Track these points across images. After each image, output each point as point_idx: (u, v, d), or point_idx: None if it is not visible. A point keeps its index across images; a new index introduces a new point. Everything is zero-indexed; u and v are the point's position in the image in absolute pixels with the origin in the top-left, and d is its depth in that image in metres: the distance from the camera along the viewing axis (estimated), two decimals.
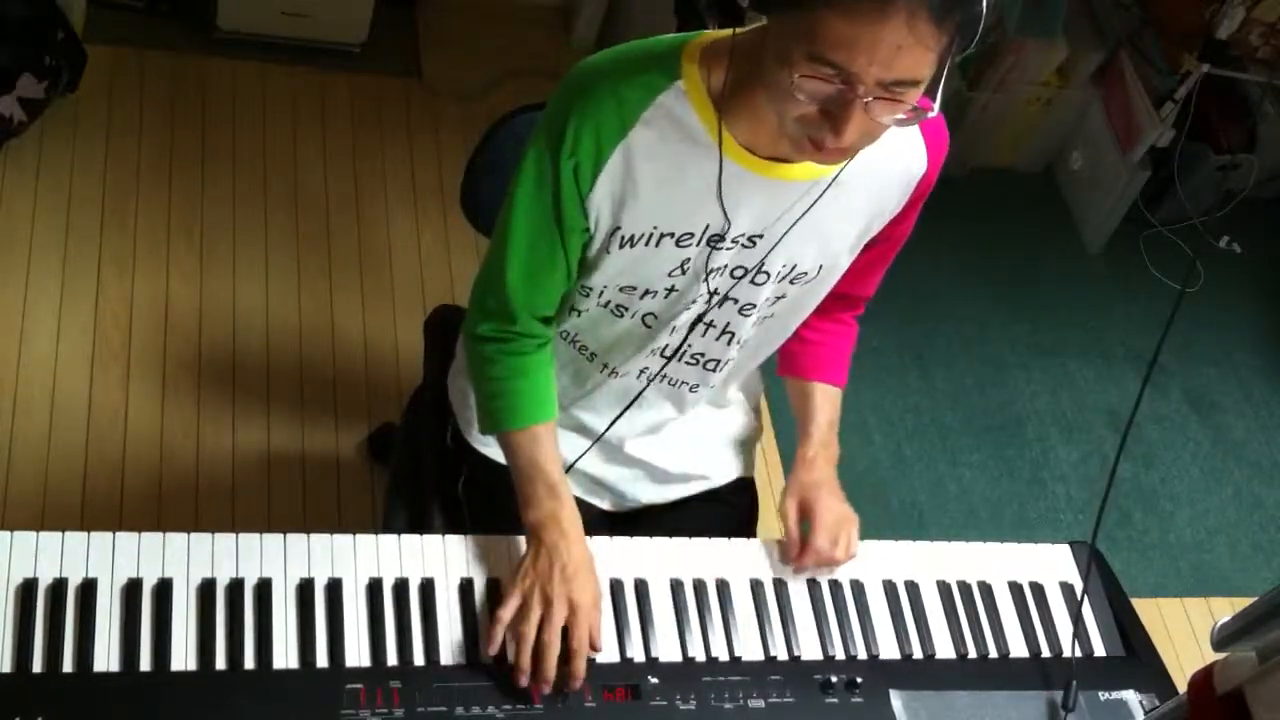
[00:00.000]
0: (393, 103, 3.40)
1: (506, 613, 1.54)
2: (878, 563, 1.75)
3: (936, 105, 1.39)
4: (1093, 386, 3.45)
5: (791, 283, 1.67)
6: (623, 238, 1.57)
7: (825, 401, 1.83)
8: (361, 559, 1.57)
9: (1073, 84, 3.69)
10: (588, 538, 1.65)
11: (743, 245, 1.59)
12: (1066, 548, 1.85)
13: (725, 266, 1.61)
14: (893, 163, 1.59)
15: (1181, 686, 1.53)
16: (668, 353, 1.74)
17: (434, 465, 2.00)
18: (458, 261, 3.13)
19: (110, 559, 1.49)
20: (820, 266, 1.66)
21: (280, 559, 1.54)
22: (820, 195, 1.56)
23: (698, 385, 1.80)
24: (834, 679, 1.60)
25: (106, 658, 1.43)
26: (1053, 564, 1.82)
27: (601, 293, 1.65)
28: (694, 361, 1.76)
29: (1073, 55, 3.61)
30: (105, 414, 2.67)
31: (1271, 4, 3.32)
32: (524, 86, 3.45)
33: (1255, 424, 3.52)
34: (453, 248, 3.14)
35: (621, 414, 1.82)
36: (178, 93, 3.23)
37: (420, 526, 1.98)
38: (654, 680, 1.56)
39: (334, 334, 2.92)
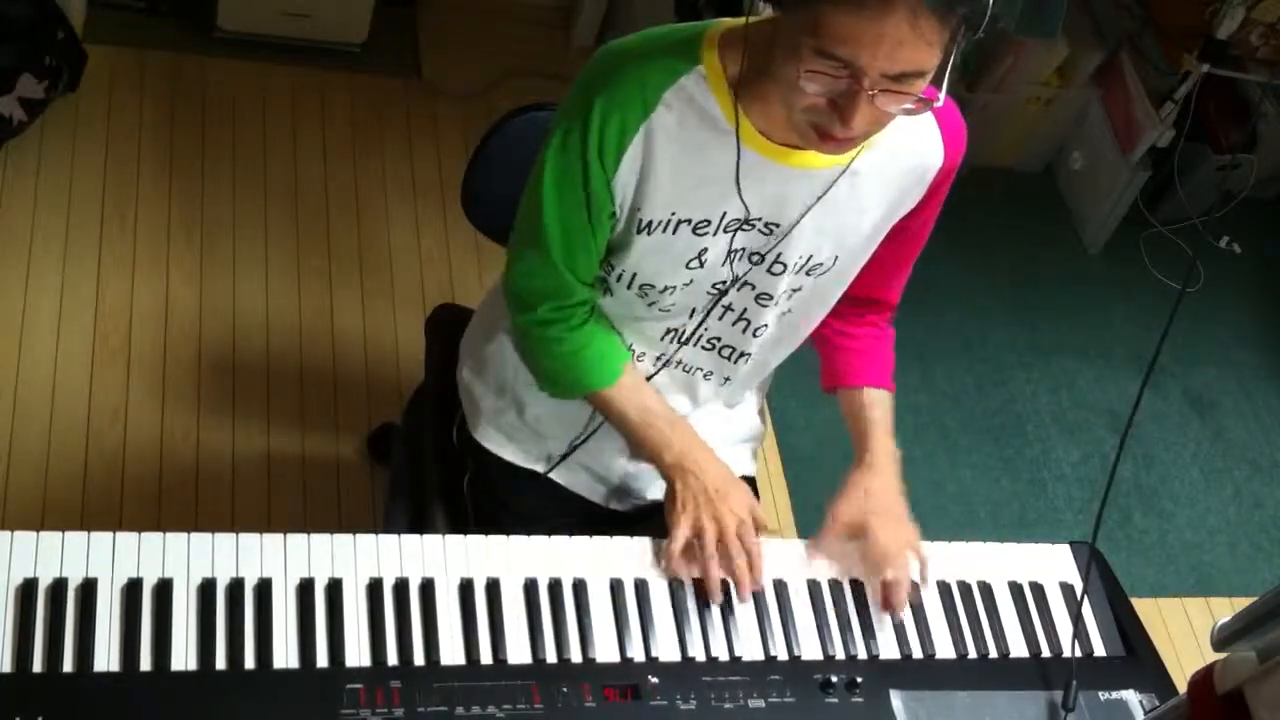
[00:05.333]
0: (393, 102, 3.40)
1: (676, 546, 1.65)
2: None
3: (942, 94, 1.41)
4: (1093, 386, 3.45)
5: (808, 274, 1.68)
6: (641, 222, 1.58)
7: (864, 408, 1.82)
8: (361, 559, 1.57)
9: (1073, 84, 3.69)
10: (588, 538, 1.66)
11: (760, 230, 1.61)
12: (1066, 548, 1.85)
13: (744, 249, 1.63)
14: (909, 155, 1.61)
15: (1181, 686, 1.53)
16: (684, 337, 1.75)
17: (437, 464, 2.00)
18: (458, 261, 3.13)
19: (110, 559, 1.49)
20: (836, 258, 1.67)
21: (280, 559, 1.54)
22: (834, 181, 1.57)
23: (712, 373, 1.81)
24: (834, 679, 1.60)
25: (106, 658, 1.43)
26: (1053, 564, 1.82)
27: (620, 276, 1.66)
28: (710, 347, 1.77)
29: (1073, 55, 3.61)
30: (105, 414, 2.67)
31: (1271, 4, 3.31)
32: (524, 86, 3.45)
33: (1255, 424, 3.52)
34: (453, 248, 3.14)
35: None
36: (178, 93, 3.23)
37: (422, 526, 1.98)
38: (654, 680, 1.55)
39: (334, 334, 2.92)
